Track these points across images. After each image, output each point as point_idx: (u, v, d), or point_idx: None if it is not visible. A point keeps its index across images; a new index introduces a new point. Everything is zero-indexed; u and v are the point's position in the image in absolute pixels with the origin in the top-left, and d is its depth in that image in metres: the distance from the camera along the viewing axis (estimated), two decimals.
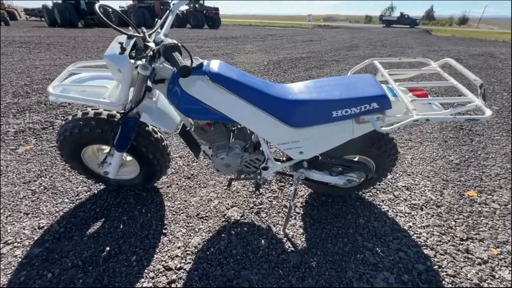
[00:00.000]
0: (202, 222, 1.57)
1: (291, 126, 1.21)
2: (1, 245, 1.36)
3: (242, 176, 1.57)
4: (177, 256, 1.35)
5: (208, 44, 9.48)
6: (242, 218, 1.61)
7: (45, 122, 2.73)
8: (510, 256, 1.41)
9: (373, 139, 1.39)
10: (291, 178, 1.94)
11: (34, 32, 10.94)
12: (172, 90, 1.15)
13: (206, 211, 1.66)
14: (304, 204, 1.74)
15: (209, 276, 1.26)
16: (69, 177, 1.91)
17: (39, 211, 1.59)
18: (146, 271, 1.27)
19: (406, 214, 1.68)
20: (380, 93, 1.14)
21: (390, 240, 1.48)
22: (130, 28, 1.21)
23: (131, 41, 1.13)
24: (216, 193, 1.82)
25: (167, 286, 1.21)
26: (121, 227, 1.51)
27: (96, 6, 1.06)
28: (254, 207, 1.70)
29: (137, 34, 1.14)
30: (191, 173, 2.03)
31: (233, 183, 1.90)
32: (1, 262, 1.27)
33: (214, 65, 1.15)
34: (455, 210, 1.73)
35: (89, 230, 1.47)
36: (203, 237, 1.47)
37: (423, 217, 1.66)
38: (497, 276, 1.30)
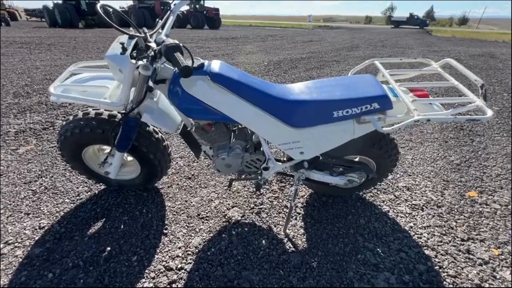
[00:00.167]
0: (203, 222, 1.57)
1: (292, 126, 1.21)
2: (2, 245, 1.36)
3: (243, 176, 1.57)
4: (178, 256, 1.35)
5: (208, 44, 9.49)
6: (242, 218, 1.61)
7: (45, 123, 2.74)
8: (511, 257, 1.41)
9: (374, 139, 1.39)
10: (291, 178, 1.94)
11: (34, 32, 10.96)
12: (173, 90, 1.15)
13: (206, 211, 1.66)
14: (304, 204, 1.74)
15: (210, 276, 1.26)
16: (69, 177, 1.91)
17: (40, 211, 1.59)
18: (147, 271, 1.27)
19: (407, 215, 1.68)
20: (381, 93, 1.15)
21: (391, 241, 1.48)
22: (131, 28, 1.22)
23: (132, 41, 1.13)
24: (216, 193, 1.82)
25: (168, 286, 1.21)
26: (122, 227, 1.51)
27: (98, 6, 1.07)
28: (255, 207, 1.70)
29: (138, 34, 1.14)
30: (192, 173, 2.03)
31: (233, 183, 1.90)
32: (2, 262, 1.27)
33: (215, 65, 1.15)
34: (456, 210, 1.73)
35: (90, 230, 1.47)
36: (204, 237, 1.47)
37: (424, 218, 1.66)
38: (498, 277, 1.30)
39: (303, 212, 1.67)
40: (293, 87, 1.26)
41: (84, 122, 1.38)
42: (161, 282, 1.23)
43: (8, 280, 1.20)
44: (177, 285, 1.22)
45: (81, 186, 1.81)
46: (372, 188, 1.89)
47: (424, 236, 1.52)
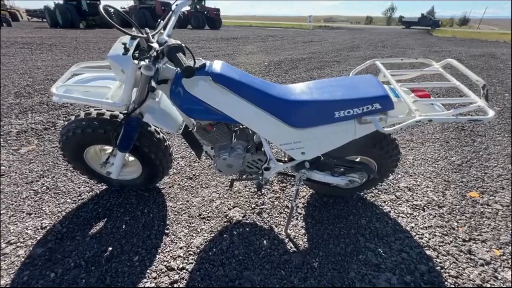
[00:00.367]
0: (204, 222, 1.58)
1: (293, 127, 1.21)
2: (4, 245, 1.37)
3: (244, 176, 1.57)
4: (179, 256, 1.36)
5: (209, 44, 9.50)
6: (244, 218, 1.61)
7: (47, 123, 2.74)
8: None
9: (375, 139, 1.39)
10: (293, 178, 1.94)
11: (36, 33, 10.98)
12: (175, 91, 1.16)
13: (208, 211, 1.66)
14: (305, 204, 1.74)
15: (211, 276, 1.26)
16: (71, 177, 1.91)
17: (41, 211, 1.60)
18: (148, 271, 1.27)
19: (408, 215, 1.68)
20: (383, 93, 1.15)
21: (392, 241, 1.48)
22: (133, 28, 1.22)
23: (135, 42, 1.14)
24: (218, 193, 1.82)
25: (169, 286, 1.22)
26: (124, 227, 1.51)
27: (100, 7, 1.07)
28: (256, 207, 1.70)
29: (140, 34, 1.14)
30: (193, 173, 2.03)
31: (235, 183, 1.90)
32: (4, 262, 1.28)
33: (217, 65, 1.16)
34: (457, 211, 1.73)
35: (92, 230, 1.48)
36: (205, 238, 1.47)
37: (425, 218, 1.66)
38: (499, 277, 1.30)
39: (304, 212, 1.67)
40: (294, 87, 1.26)
41: (86, 122, 1.39)
42: (162, 282, 1.23)
43: (10, 279, 1.20)
44: (179, 285, 1.22)
45: (82, 186, 1.82)
46: (373, 188, 1.89)
47: (426, 237, 1.52)
